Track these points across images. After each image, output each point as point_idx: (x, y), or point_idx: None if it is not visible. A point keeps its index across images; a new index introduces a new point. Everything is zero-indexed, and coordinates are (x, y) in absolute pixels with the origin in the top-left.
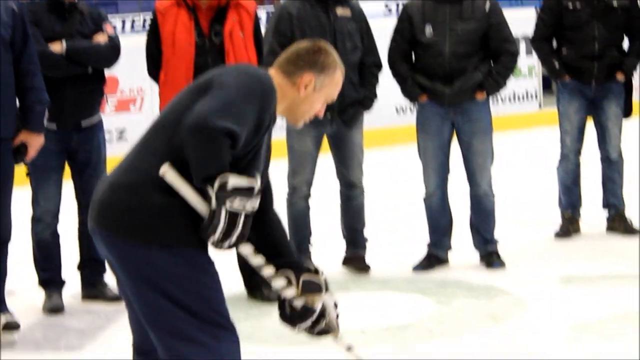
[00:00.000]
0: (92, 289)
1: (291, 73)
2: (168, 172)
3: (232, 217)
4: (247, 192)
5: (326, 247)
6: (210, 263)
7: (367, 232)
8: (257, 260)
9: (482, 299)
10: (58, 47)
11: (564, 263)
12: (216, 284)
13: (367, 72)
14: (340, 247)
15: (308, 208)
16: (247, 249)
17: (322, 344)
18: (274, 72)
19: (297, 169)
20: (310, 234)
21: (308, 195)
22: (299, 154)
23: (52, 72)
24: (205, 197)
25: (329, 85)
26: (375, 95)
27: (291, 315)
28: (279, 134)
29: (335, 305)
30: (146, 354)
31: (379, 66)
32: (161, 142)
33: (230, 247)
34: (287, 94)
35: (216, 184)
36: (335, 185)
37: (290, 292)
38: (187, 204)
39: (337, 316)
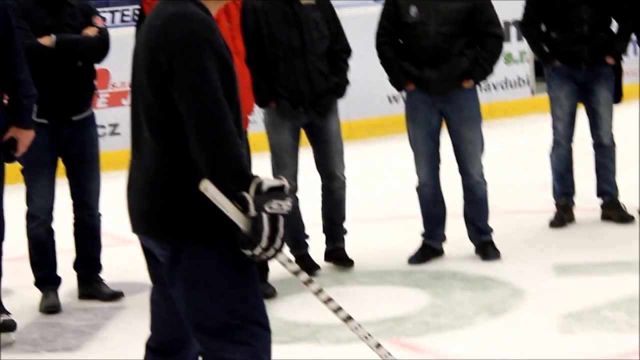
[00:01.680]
0: (88, 287)
1: None
2: (209, 188)
3: (274, 220)
4: (280, 191)
5: (320, 241)
6: (251, 261)
7: (358, 224)
8: (294, 266)
9: (478, 291)
10: (47, 40)
11: (559, 252)
12: (257, 281)
13: (336, 58)
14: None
15: (297, 200)
16: (284, 256)
17: (320, 343)
18: None
19: (279, 163)
20: (304, 227)
21: (296, 188)
22: (279, 148)
23: (42, 66)
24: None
25: None
26: (346, 82)
27: None
28: (257, 129)
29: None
30: (166, 354)
31: (347, 51)
32: (169, 138)
33: (275, 253)
34: None
35: (252, 188)
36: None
37: (315, 286)
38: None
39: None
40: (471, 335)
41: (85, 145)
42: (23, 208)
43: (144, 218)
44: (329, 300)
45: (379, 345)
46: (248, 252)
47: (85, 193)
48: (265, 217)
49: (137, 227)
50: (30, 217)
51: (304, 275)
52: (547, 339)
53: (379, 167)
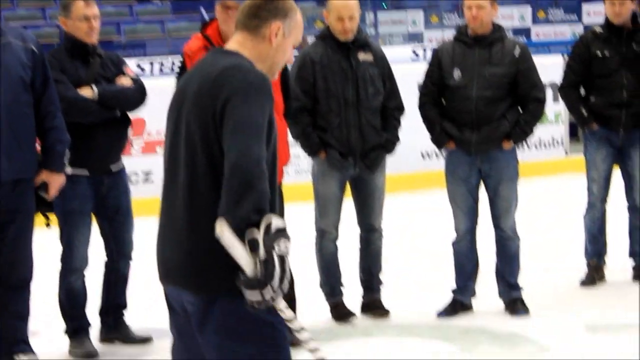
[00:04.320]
0: (115, 332)
1: (257, 27)
2: (226, 232)
3: (282, 261)
4: (285, 232)
5: (354, 290)
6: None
7: (390, 277)
8: (289, 313)
9: (506, 347)
10: (89, 92)
11: (589, 311)
12: (286, 330)
13: (389, 115)
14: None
15: (337, 249)
16: (283, 303)
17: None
18: (240, 37)
19: (323, 212)
20: (340, 275)
21: (336, 238)
22: (324, 197)
23: (85, 118)
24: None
25: (295, 28)
26: (397, 139)
27: None
28: (304, 178)
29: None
30: None
31: (401, 109)
32: (207, 189)
33: (280, 295)
34: (262, 51)
35: (262, 225)
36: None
37: (312, 345)
38: None
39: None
40: None
41: (121, 195)
42: (41, 252)
43: (177, 269)
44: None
45: None
46: (255, 297)
47: (123, 243)
48: (276, 258)
49: (168, 277)
50: (71, 270)
51: (297, 324)
52: None
53: (412, 222)
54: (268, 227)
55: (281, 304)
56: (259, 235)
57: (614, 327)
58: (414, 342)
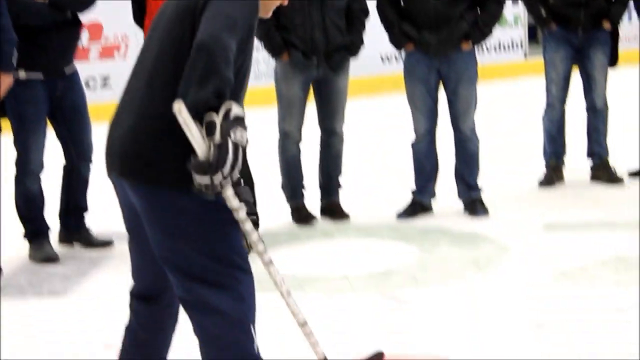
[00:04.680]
0: (78, 235)
1: None
2: (183, 110)
3: (236, 149)
4: (243, 122)
5: (316, 193)
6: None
7: (350, 180)
8: (235, 202)
9: (465, 247)
10: None
11: (548, 211)
12: (236, 223)
13: (354, 17)
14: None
15: (300, 152)
16: (230, 190)
17: (306, 292)
18: None
19: (286, 114)
20: (302, 178)
21: (299, 140)
22: (287, 99)
23: (36, 20)
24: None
25: None
26: (362, 42)
27: None
28: (266, 81)
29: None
30: (149, 300)
31: (366, 12)
32: (170, 76)
33: (231, 184)
34: None
35: (221, 111)
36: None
37: (261, 247)
38: None
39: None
40: (458, 290)
41: (77, 98)
42: None
43: (121, 155)
44: (270, 262)
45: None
46: (205, 180)
47: (81, 144)
48: (230, 144)
49: (113, 164)
50: (28, 173)
51: (249, 225)
52: (534, 295)
53: (371, 125)
54: (227, 113)
55: (229, 192)
56: (217, 119)
57: (572, 225)
58: (374, 243)
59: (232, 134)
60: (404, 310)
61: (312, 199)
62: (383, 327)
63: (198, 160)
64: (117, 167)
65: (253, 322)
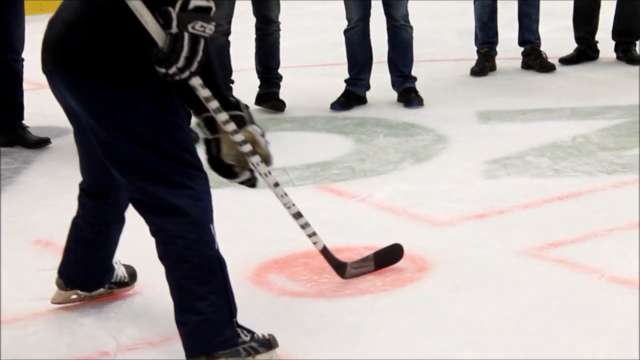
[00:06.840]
0: (12, 133)
1: None
2: None
3: (195, 41)
4: (206, 13)
5: (245, 85)
6: (177, 102)
7: (286, 72)
8: (205, 92)
9: (402, 137)
10: None
11: (482, 99)
12: (185, 123)
13: None
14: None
15: (229, 43)
16: (198, 80)
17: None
18: None
19: (216, 4)
20: (231, 71)
21: (228, 31)
22: None
23: None
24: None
25: None
26: None
27: (222, 162)
28: None
29: (263, 135)
30: (98, 196)
31: None
32: None
33: (189, 76)
34: None
35: (178, 3)
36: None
37: (231, 127)
38: (149, 39)
39: (268, 144)
40: (396, 180)
41: None
42: None
43: (59, 50)
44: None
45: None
46: (162, 70)
47: (10, 36)
48: (186, 36)
49: (47, 57)
50: None
51: (215, 104)
52: (472, 184)
53: (307, 14)
54: (185, 3)
55: (195, 81)
56: (174, 10)
57: (506, 113)
58: (309, 135)
59: (190, 26)
60: (342, 202)
61: (249, 90)
62: (324, 222)
63: (155, 49)
64: (52, 60)
65: (212, 221)
